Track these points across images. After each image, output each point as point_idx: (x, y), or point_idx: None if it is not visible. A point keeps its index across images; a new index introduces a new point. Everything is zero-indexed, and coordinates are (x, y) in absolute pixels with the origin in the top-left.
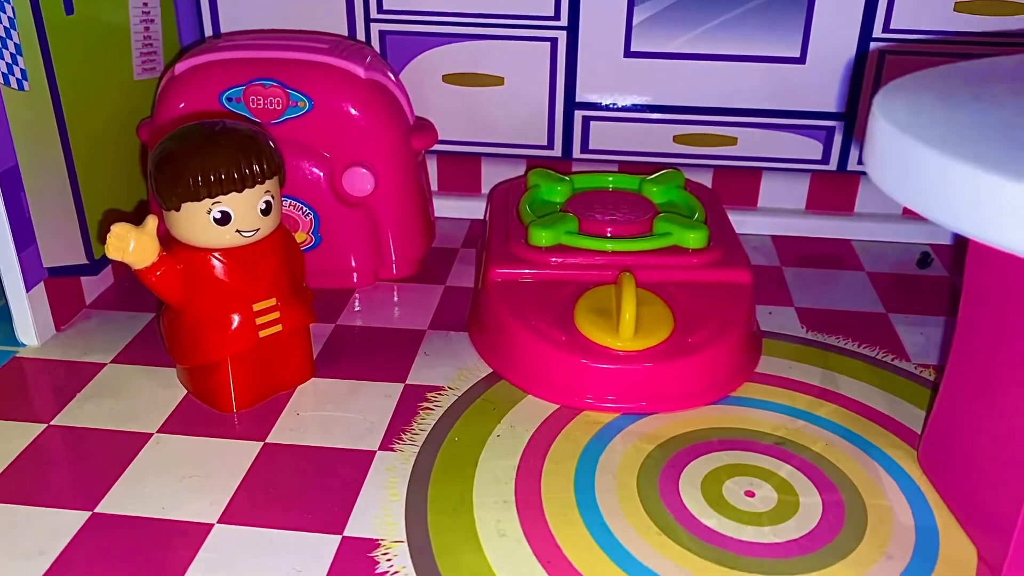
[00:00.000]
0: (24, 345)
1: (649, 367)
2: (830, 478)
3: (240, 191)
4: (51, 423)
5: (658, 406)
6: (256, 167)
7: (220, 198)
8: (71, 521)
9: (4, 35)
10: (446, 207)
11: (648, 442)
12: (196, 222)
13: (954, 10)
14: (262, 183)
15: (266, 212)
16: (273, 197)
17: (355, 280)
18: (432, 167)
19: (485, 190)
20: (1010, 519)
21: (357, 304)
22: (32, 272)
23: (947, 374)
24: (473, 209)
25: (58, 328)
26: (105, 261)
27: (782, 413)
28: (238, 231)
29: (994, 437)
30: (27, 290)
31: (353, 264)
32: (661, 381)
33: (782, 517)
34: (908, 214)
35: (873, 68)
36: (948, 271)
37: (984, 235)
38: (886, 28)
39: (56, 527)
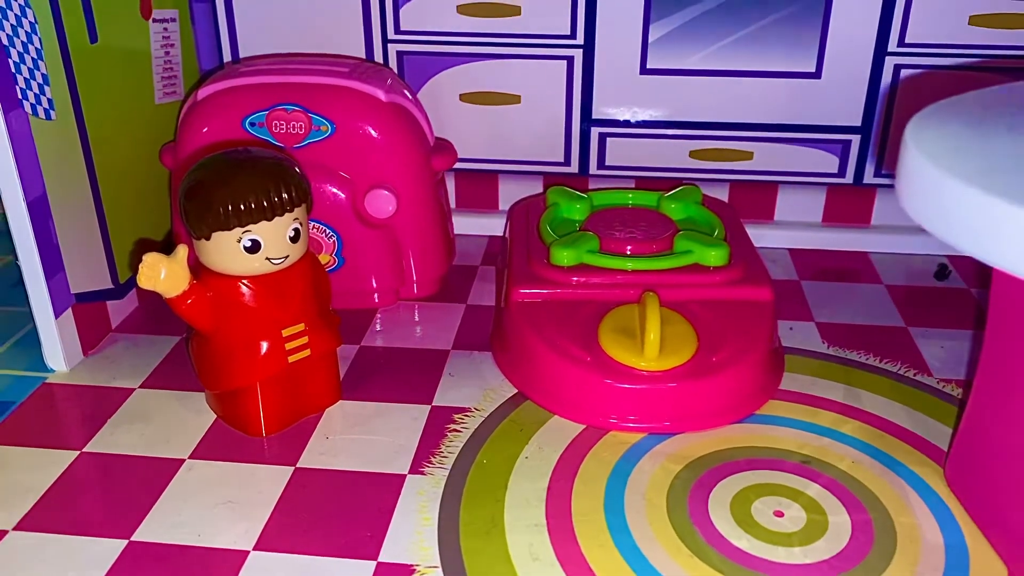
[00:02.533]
0: (53, 371)
1: (674, 387)
2: (858, 497)
3: (270, 219)
4: (84, 450)
5: (683, 426)
6: (285, 195)
7: (250, 227)
8: (108, 550)
9: (32, 66)
10: (464, 224)
11: (676, 462)
12: (226, 251)
13: (969, 24)
14: (291, 211)
15: (295, 239)
16: (301, 224)
17: (376, 300)
18: (450, 184)
19: (503, 207)
20: None
21: (379, 325)
22: (60, 298)
23: (974, 390)
24: (491, 226)
25: (85, 353)
26: (130, 284)
27: (807, 431)
28: (268, 259)
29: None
30: (56, 316)
31: (375, 285)
32: (686, 401)
33: (812, 537)
34: None
35: (889, 82)
36: (966, 283)
37: (1020, 271)
38: (901, 42)
39: (93, 556)
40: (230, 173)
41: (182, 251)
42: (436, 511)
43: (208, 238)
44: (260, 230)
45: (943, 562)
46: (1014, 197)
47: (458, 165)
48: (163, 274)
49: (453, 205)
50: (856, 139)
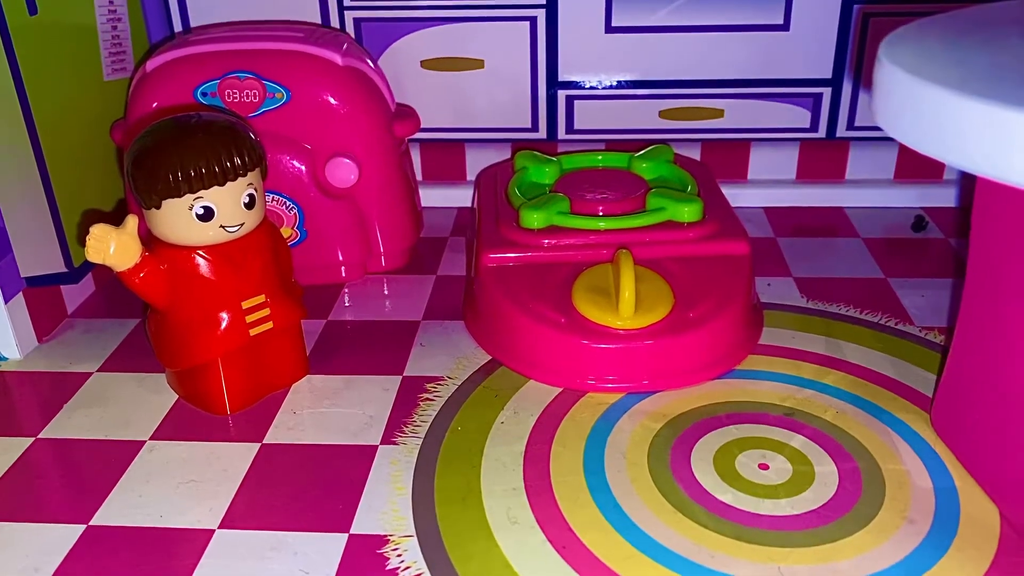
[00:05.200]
0: (6, 359)
1: (651, 344)
2: (844, 446)
3: (222, 184)
4: (39, 436)
5: (662, 383)
6: (237, 159)
7: (201, 193)
8: (65, 536)
9: None
10: (432, 196)
11: (656, 420)
12: (178, 219)
13: None
14: (244, 175)
15: (250, 205)
16: (256, 190)
17: (343, 274)
18: (415, 156)
19: (470, 177)
20: None
21: (347, 299)
22: (10, 283)
23: (957, 333)
24: (459, 197)
25: (40, 339)
26: (86, 268)
27: (789, 383)
28: (222, 226)
29: (1010, 393)
30: (5, 301)
31: (340, 258)
32: (664, 358)
33: (799, 488)
34: (900, 178)
35: (858, 31)
36: (944, 233)
37: (1003, 174)
38: None
39: (50, 543)
40: (179, 138)
41: (132, 221)
42: (410, 480)
43: (158, 207)
44: (212, 196)
45: (933, 506)
46: (991, 99)
47: (423, 135)
48: (112, 247)
49: (419, 177)
50: (827, 92)
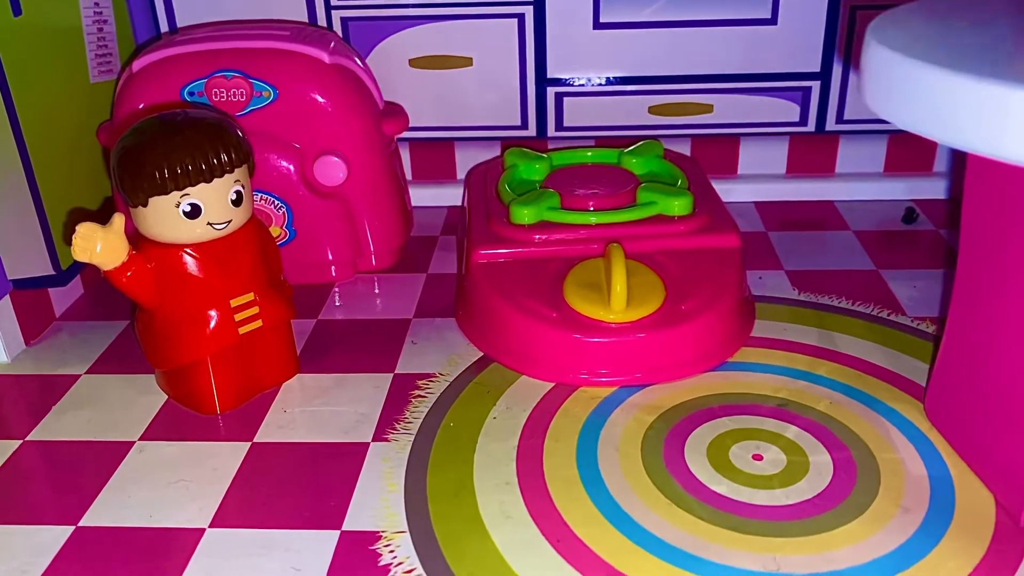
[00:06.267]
0: None
1: (643, 337)
2: (838, 436)
3: (209, 181)
4: (26, 439)
5: (655, 376)
6: (224, 156)
7: (188, 190)
8: (54, 537)
9: None
10: (422, 195)
11: (649, 413)
12: (165, 217)
13: None
14: (231, 172)
15: (237, 203)
16: (243, 187)
17: (334, 274)
18: (405, 155)
19: (460, 176)
20: None
21: (338, 298)
22: None
23: (949, 322)
24: (449, 196)
25: (28, 343)
26: (74, 271)
27: (782, 375)
28: (209, 224)
29: (1003, 380)
30: None
31: (330, 257)
32: (657, 351)
33: (793, 478)
34: (890, 171)
35: (845, 24)
36: (934, 224)
37: (995, 150)
38: None
39: (38, 544)
40: (165, 134)
41: (118, 220)
42: (402, 477)
43: (145, 204)
44: (199, 193)
45: (928, 494)
46: (982, 75)
47: (412, 134)
48: (99, 246)
49: (409, 176)
50: (816, 85)
